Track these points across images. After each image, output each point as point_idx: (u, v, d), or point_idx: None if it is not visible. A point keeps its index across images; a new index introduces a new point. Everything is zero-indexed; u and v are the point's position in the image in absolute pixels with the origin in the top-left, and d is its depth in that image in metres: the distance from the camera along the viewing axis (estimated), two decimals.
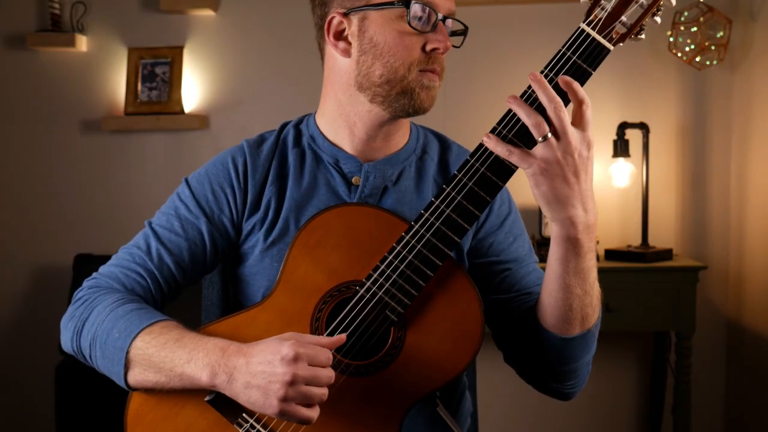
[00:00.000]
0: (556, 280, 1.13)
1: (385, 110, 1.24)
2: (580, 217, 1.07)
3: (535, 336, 1.20)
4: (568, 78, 1.05)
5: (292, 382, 1.03)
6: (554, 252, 1.12)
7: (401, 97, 1.22)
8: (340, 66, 1.26)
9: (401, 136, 1.32)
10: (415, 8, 1.18)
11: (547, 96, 1.04)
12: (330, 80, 1.29)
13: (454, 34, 1.26)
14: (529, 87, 1.07)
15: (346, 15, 1.23)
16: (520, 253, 1.31)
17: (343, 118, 1.28)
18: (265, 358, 1.05)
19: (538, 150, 1.04)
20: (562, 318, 1.15)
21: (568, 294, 1.13)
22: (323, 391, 1.05)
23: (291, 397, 1.03)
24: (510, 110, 1.09)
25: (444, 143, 1.37)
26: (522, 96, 1.07)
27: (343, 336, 1.10)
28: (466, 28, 1.27)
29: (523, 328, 1.23)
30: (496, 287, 1.28)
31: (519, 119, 1.07)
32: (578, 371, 1.24)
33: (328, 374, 1.06)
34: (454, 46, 1.24)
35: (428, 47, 1.20)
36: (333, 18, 1.24)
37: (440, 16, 1.20)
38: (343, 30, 1.24)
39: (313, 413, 1.06)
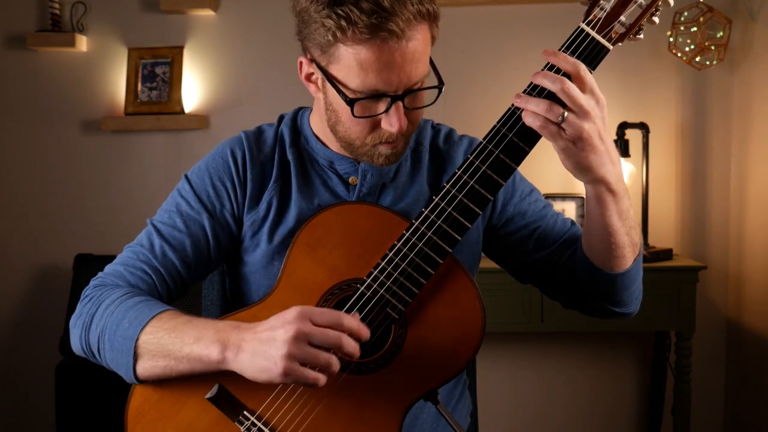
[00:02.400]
0: (604, 229, 1.15)
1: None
2: (611, 172, 1.09)
3: (595, 280, 1.23)
4: (549, 50, 1.05)
5: (296, 338, 1.02)
6: (594, 207, 1.14)
7: (362, 156, 1.23)
8: (319, 97, 1.25)
9: None
10: (360, 104, 1.15)
11: (549, 79, 1.04)
12: (317, 100, 1.28)
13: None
14: (529, 85, 1.07)
15: (312, 62, 1.20)
16: (539, 207, 1.34)
17: (332, 131, 1.28)
18: (270, 325, 1.05)
19: (564, 126, 1.04)
20: (619, 256, 1.18)
21: (617, 235, 1.16)
22: (331, 358, 1.03)
23: (295, 354, 1.02)
24: (509, 110, 1.09)
25: (435, 129, 1.38)
26: (524, 93, 1.07)
27: (357, 316, 1.09)
28: (440, 85, 1.20)
29: (576, 274, 1.26)
30: (535, 247, 1.31)
31: (519, 118, 1.08)
32: (639, 287, 1.28)
33: (336, 334, 1.03)
34: (427, 105, 1.20)
35: (382, 126, 1.18)
36: (302, 62, 1.23)
37: (396, 96, 1.14)
38: (313, 73, 1.22)
39: (320, 376, 1.04)
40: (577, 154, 1.06)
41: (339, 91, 1.15)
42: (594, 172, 1.08)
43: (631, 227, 1.18)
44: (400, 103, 1.15)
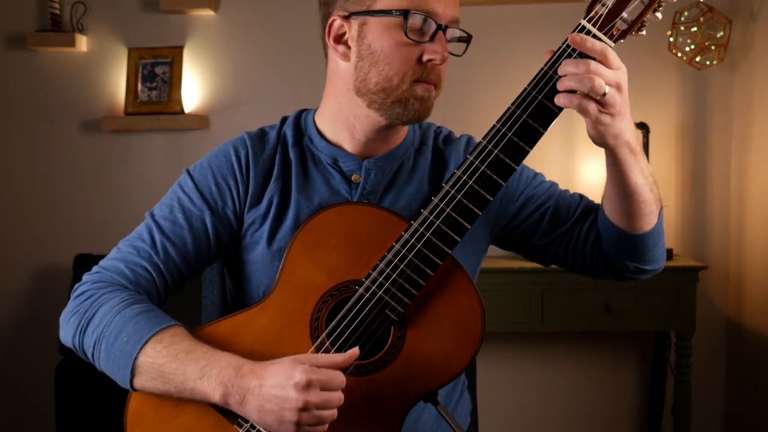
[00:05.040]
0: (631, 189, 1.17)
1: (382, 116, 1.24)
2: (632, 132, 1.13)
3: (624, 244, 1.25)
4: (574, 36, 1.06)
5: (305, 408, 1.05)
6: (619, 170, 1.15)
7: (396, 106, 1.22)
8: (340, 69, 1.26)
9: (401, 134, 1.32)
10: (414, 19, 1.18)
11: (573, 65, 1.05)
12: (331, 81, 1.30)
13: (461, 40, 1.25)
14: (541, 69, 1.08)
15: (347, 18, 1.23)
16: (546, 188, 1.36)
17: (342, 119, 1.29)
18: (277, 382, 1.06)
19: (601, 101, 1.05)
20: (646, 213, 1.21)
21: (644, 192, 1.18)
22: (333, 413, 1.07)
23: (304, 421, 1.05)
24: (508, 109, 1.09)
25: (436, 132, 1.39)
26: (539, 74, 1.08)
27: (357, 350, 1.10)
28: (470, 36, 1.25)
29: (603, 242, 1.28)
30: (551, 226, 1.33)
31: (519, 117, 1.08)
32: (664, 243, 1.31)
33: (339, 396, 1.07)
34: (455, 54, 1.23)
35: (425, 58, 1.19)
36: (334, 21, 1.24)
37: (442, 25, 1.19)
38: (344, 34, 1.24)
39: (326, 427, 1.08)
40: (612, 124, 1.08)
41: (390, 14, 1.18)
42: (622, 137, 1.11)
43: (652, 183, 1.21)
44: (441, 33, 1.19)
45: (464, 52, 1.26)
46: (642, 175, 1.17)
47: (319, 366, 1.06)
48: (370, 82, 1.22)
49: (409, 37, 1.18)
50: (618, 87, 1.06)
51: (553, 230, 1.33)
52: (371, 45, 1.21)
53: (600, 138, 1.11)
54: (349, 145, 1.29)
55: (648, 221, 1.22)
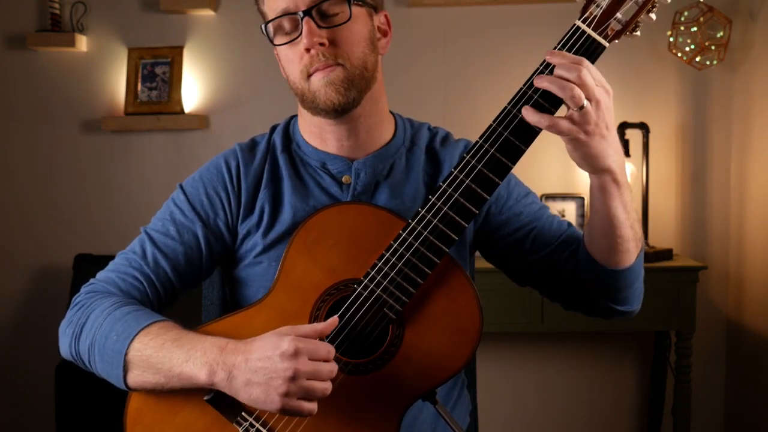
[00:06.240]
0: (609, 221, 1.16)
1: (321, 114, 1.26)
2: (617, 161, 1.11)
3: (599, 278, 1.23)
4: (551, 52, 1.06)
5: (294, 377, 1.03)
6: (599, 199, 1.15)
7: (314, 103, 1.24)
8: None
9: (379, 130, 1.32)
10: (268, 27, 1.22)
11: (565, 69, 1.03)
12: None
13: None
14: (537, 69, 1.07)
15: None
16: (534, 209, 1.34)
17: (309, 129, 1.32)
18: (264, 354, 1.05)
19: (576, 117, 1.04)
20: (623, 250, 1.19)
21: (622, 228, 1.17)
22: (325, 385, 1.06)
23: (293, 392, 1.04)
24: (505, 108, 1.09)
25: (431, 132, 1.39)
26: (535, 74, 1.07)
27: (335, 318, 1.11)
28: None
29: (578, 274, 1.26)
30: (532, 248, 1.31)
31: (515, 117, 1.08)
32: (641, 286, 1.29)
33: (330, 368, 1.06)
34: (342, 23, 1.20)
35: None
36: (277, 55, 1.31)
37: (299, 13, 1.19)
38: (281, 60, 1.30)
39: (315, 406, 1.06)
40: (588, 144, 1.07)
41: (266, 27, 1.23)
42: (601, 162, 1.09)
43: (634, 220, 1.19)
44: (308, 18, 1.19)
45: (350, 17, 1.21)
46: (623, 208, 1.15)
47: (301, 335, 1.06)
48: (292, 88, 1.28)
49: (276, 44, 1.23)
50: (596, 103, 1.04)
51: (533, 252, 1.31)
52: (280, 62, 1.29)
53: (577, 157, 1.10)
54: (329, 149, 1.31)
55: (623, 259, 1.20)
